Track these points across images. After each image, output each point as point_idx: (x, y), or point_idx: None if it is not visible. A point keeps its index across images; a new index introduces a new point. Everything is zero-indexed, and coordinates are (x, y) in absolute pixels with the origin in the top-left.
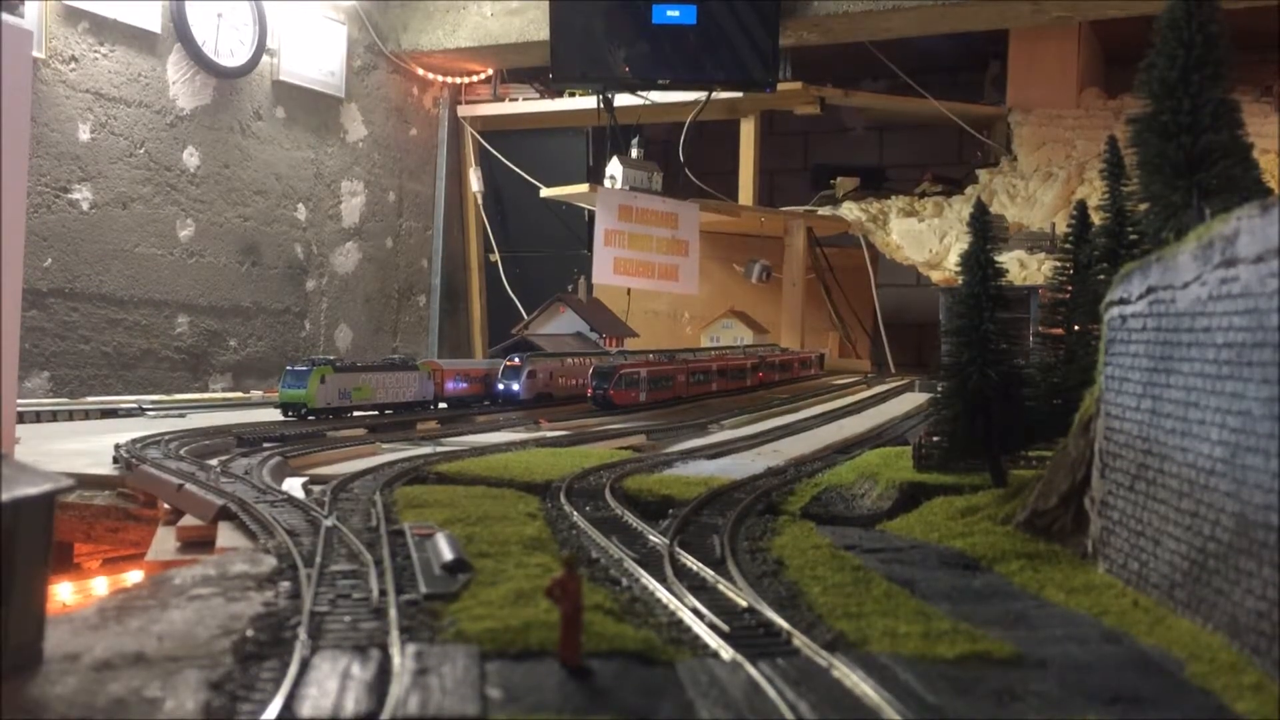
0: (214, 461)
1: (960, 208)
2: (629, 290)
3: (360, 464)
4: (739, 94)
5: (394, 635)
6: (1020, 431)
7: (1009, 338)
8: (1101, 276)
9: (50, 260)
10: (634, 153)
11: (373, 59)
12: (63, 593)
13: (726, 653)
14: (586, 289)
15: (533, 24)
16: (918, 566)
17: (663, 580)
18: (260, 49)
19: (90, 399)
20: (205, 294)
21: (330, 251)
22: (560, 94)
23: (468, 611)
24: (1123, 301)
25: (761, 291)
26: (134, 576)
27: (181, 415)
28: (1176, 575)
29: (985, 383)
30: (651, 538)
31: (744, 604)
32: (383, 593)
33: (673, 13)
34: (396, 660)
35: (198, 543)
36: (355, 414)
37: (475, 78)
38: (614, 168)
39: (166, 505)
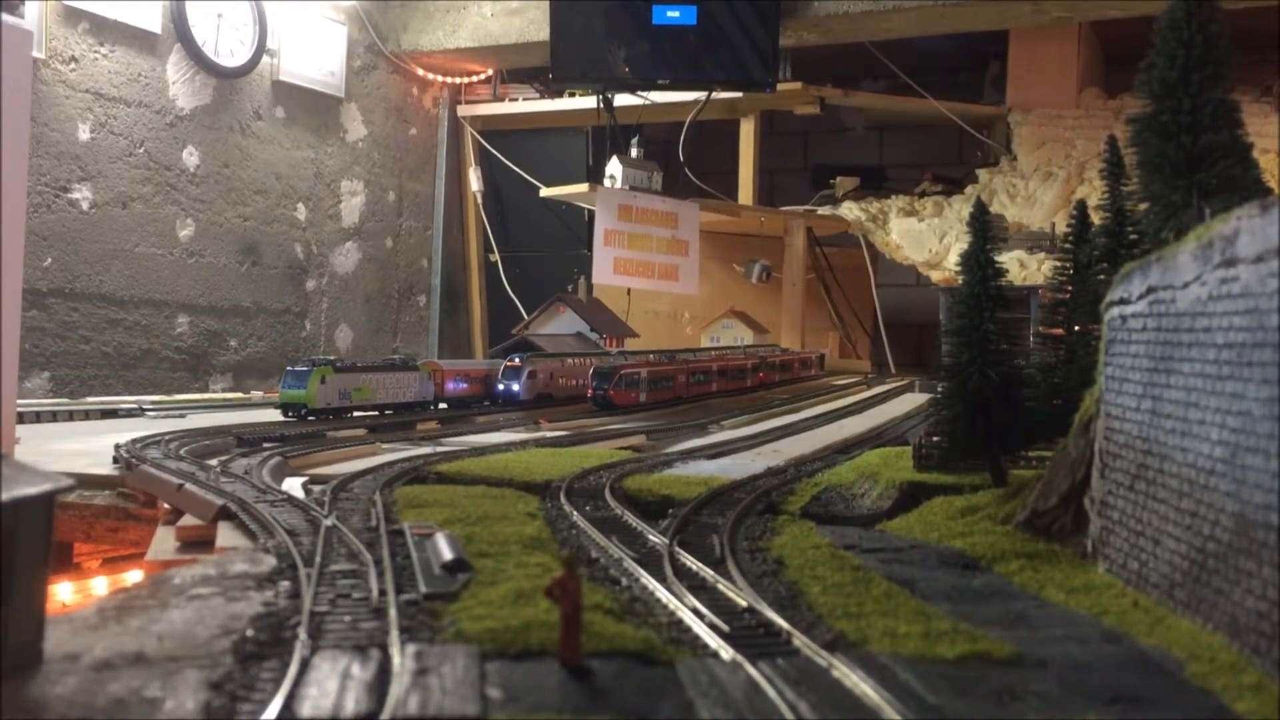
0: (214, 461)
1: (960, 207)
2: (629, 290)
3: (360, 464)
4: (739, 94)
5: (394, 635)
6: (1020, 432)
7: (1009, 338)
8: (1101, 276)
9: (50, 260)
10: (634, 152)
11: (373, 59)
12: (63, 592)
13: (726, 653)
14: (586, 289)
15: (533, 24)
16: (918, 566)
17: (662, 580)
18: (260, 49)
19: (90, 399)
20: (205, 294)
21: (330, 251)
22: (560, 94)
23: (468, 611)
24: (1123, 301)
25: (761, 291)
26: (134, 576)
27: (181, 415)
28: (1176, 575)
29: (985, 383)
30: (651, 537)
31: (744, 604)
32: (382, 592)
33: (673, 13)
34: (396, 660)
35: (197, 542)
36: (355, 414)
37: (475, 78)
38: (614, 167)
39: (166, 505)
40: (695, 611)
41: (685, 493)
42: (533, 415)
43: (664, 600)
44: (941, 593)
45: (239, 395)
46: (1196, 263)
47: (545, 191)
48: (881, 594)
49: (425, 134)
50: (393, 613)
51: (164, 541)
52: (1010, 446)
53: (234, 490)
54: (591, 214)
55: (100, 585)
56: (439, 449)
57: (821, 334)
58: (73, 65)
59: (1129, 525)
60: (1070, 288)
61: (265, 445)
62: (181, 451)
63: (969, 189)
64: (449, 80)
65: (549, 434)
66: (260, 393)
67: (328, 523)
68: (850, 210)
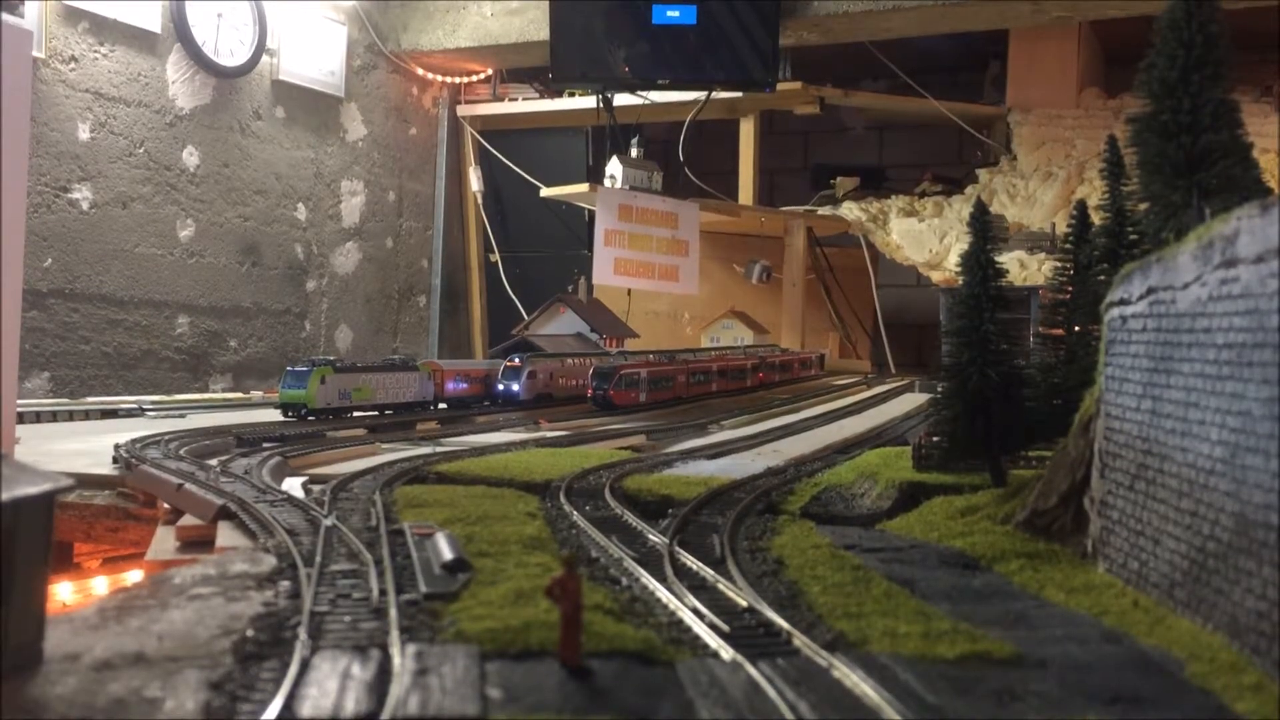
0: (214, 461)
1: (960, 207)
2: (629, 291)
3: (360, 464)
4: (739, 94)
5: (394, 635)
6: (1020, 432)
7: (1009, 338)
8: (1102, 277)
9: (50, 260)
10: (634, 152)
11: (373, 59)
12: (63, 592)
13: (726, 653)
14: (587, 289)
15: (533, 24)
16: (917, 566)
17: (663, 580)
18: (260, 49)
19: (90, 399)
20: (205, 294)
21: (330, 251)
22: (560, 93)
23: (468, 611)
24: (1123, 302)
25: (761, 292)
26: (134, 576)
27: (181, 416)
28: (1176, 575)
29: (985, 383)
30: (651, 537)
31: (744, 604)
32: (383, 592)
33: (673, 13)
34: (396, 660)
35: (197, 542)
36: (355, 414)
37: (475, 78)
38: (614, 167)
39: (166, 505)
40: (695, 611)
41: (685, 493)
42: (533, 415)
43: (664, 600)
44: (941, 592)
45: (239, 395)
46: (1197, 263)
47: (545, 191)
48: (881, 594)
49: (425, 134)
50: (393, 613)
51: (164, 541)
52: (1010, 446)
53: (234, 490)
54: (591, 214)
55: (100, 585)
56: (439, 449)
57: (821, 334)
58: (73, 65)
59: (1129, 525)
60: (1070, 288)
61: (265, 445)
62: (181, 451)
63: (969, 189)
64: (449, 80)
65: (549, 434)
66: (260, 393)
67: (328, 522)
68: (850, 210)
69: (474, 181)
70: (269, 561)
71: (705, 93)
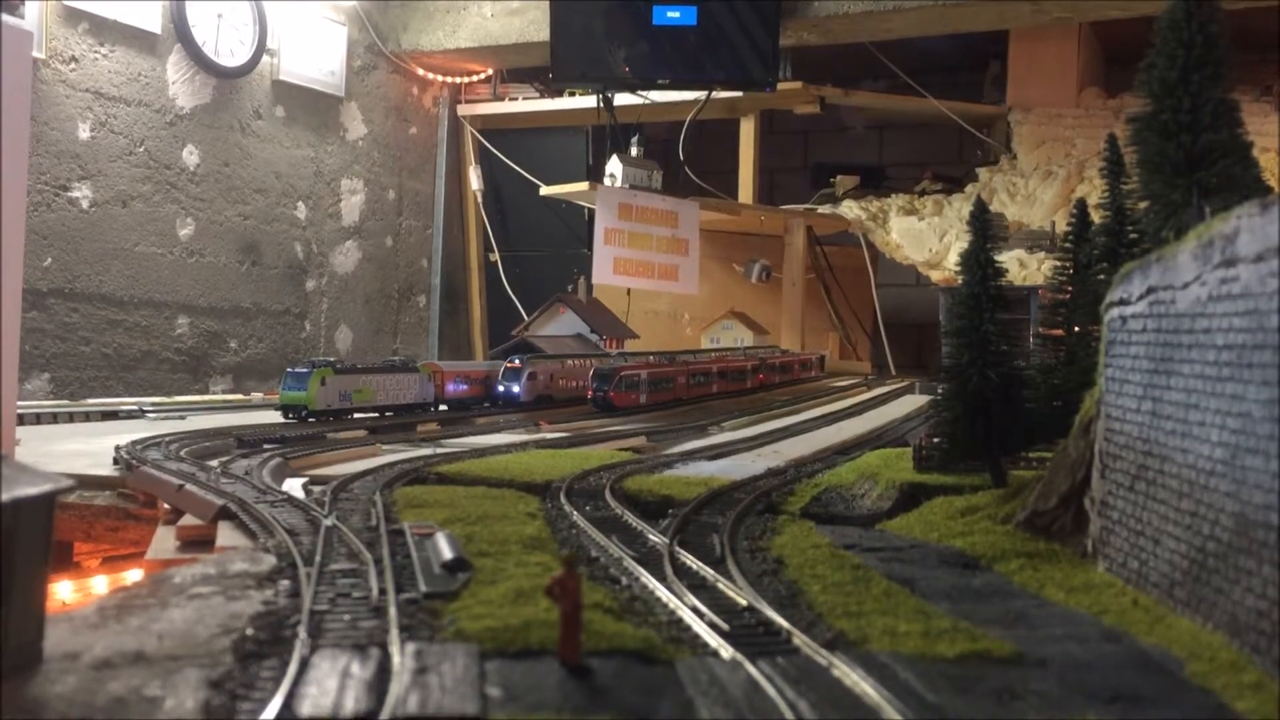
0: (214, 462)
1: (960, 206)
2: (629, 291)
3: (360, 465)
4: (739, 94)
5: (394, 634)
6: (1020, 433)
7: (1009, 339)
8: (1101, 276)
9: (50, 260)
10: (634, 151)
11: (373, 59)
12: (63, 591)
13: (726, 651)
14: (586, 289)
15: (533, 24)
16: (917, 565)
17: (662, 579)
18: (260, 49)
19: (90, 401)
20: (205, 294)
21: (330, 250)
22: (560, 93)
23: (467, 610)
24: (1123, 302)
25: (761, 292)
26: (134, 575)
27: (182, 417)
28: (1176, 574)
29: (985, 384)
30: (651, 537)
31: (744, 603)
32: (382, 591)
33: (673, 14)
34: (396, 659)
35: (197, 542)
36: (355, 416)
37: (475, 77)
38: (614, 166)
39: (166, 505)
40: (695, 610)
41: (685, 493)
42: (533, 417)
43: (664, 599)
44: (941, 592)
45: (239, 397)
46: (1196, 262)
47: (545, 190)
48: (881, 593)
49: (425, 133)
50: (392, 611)
51: (164, 541)
52: (1010, 447)
53: (234, 490)
54: (591, 213)
55: (100, 584)
56: (439, 450)
57: (821, 334)
58: (73, 65)
59: (1129, 525)
60: (1070, 288)
61: (265, 446)
62: (182, 453)
63: (969, 188)
64: (449, 80)
65: (549, 435)
66: (260, 394)
67: (328, 522)
68: (850, 209)
69: (474, 181)
70: (269, 561)
71: (705, 92)
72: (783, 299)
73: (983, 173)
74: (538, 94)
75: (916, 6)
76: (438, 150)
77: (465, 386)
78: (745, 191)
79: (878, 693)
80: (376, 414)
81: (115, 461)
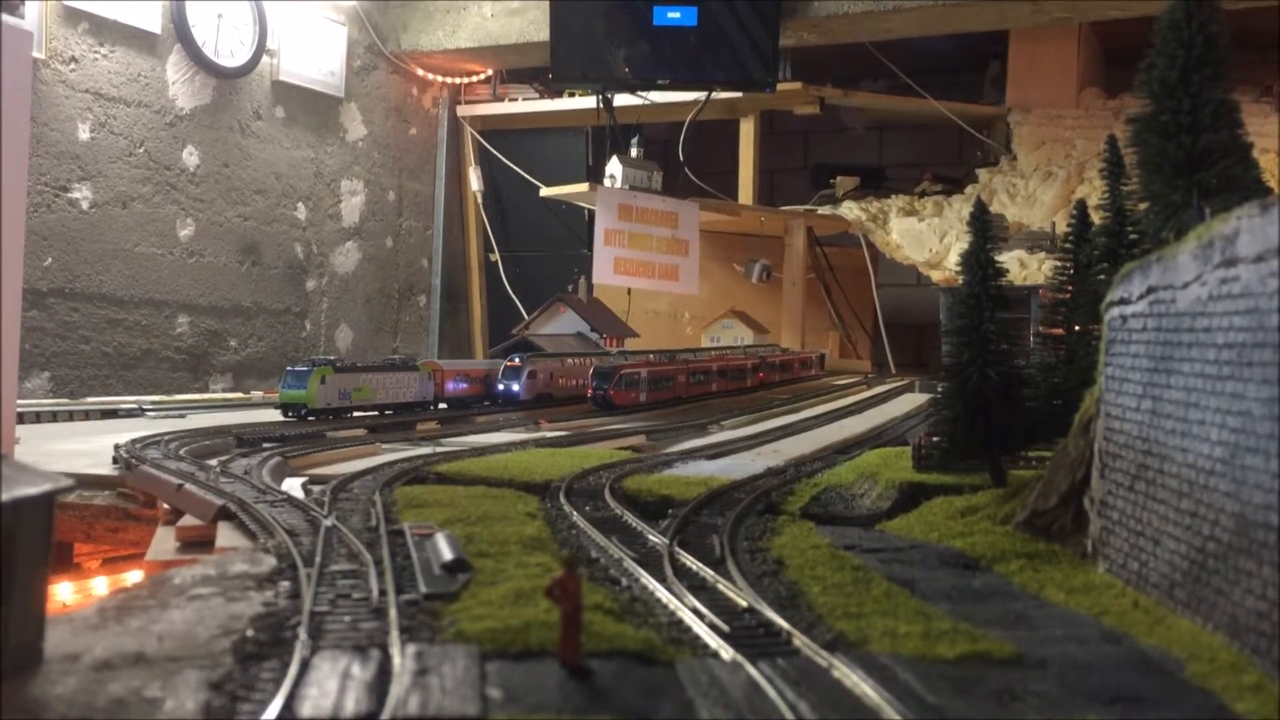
0: (214, 462)
1: (960, 207)
2: (629, 290)
3: (360, 464)
4: (739, 94)
5: (394, 635)
6: (1020, 432)
7: (1009, 338)
8: (1102, 276)
9: (50, 260)
10: (634, 152)
11: (372, 59)
12: (63, 592)
13: (726, 653)
14: (587, 289)
15: (533, 24)
16: (917, 566)
17: (662, 580)
18: (260, 49)
19: (90, 399)
20: (205, 294)
21: (330, 251)
22: (560, 93)
23: (468, 611)
24: (1123, 301)
25: (762, 291)
26: (134, 576)
27: (181, 416)
28: (1176, 575)
29: (985, 383)
30: (651, 537)
31: (744, 604)
32: (382, 592)
33: (673, 14)
34: (396, 660)
35: (197, 542)
36: (355, 414)
37: (475, 78)
38: (614, 167)
39: (166, 505)
40: (695, 611)
41: (685, 493)
42: (533, 415)
43: (664, 600)
44: (941, 593)
45: (239, 395)
46: (1197, 263)
47: (545, 191)
48: (881, 594)
49: (425, 134)
50: (393, 613)
51: (164, 541)
52: (1010, 447)
53: (234, 490)
54: (591, 214)
55: (100, 585)
56: (439, 449)
57: (821, 334)
58: (73, 65)
59: (1129, 525)
60: (1070, 288)
61: (265, 445)
62: (181, 452)
63: (969, 189)
64: (449, 80)
65: (549, 434)
66: (260, 393)
67: (327, 523)
68: (850, 210)
69: (474, 181)
70: (269, 562)
71: (705, 93)
72: (783, 299)
73: (983, 174)
74: (537, 94)
75: (916, 6)
76: (437, 151)
77: (465, 385)
78: (745, 192)
79: (878, 694)
80: (376, 412)
81: (115, 460)
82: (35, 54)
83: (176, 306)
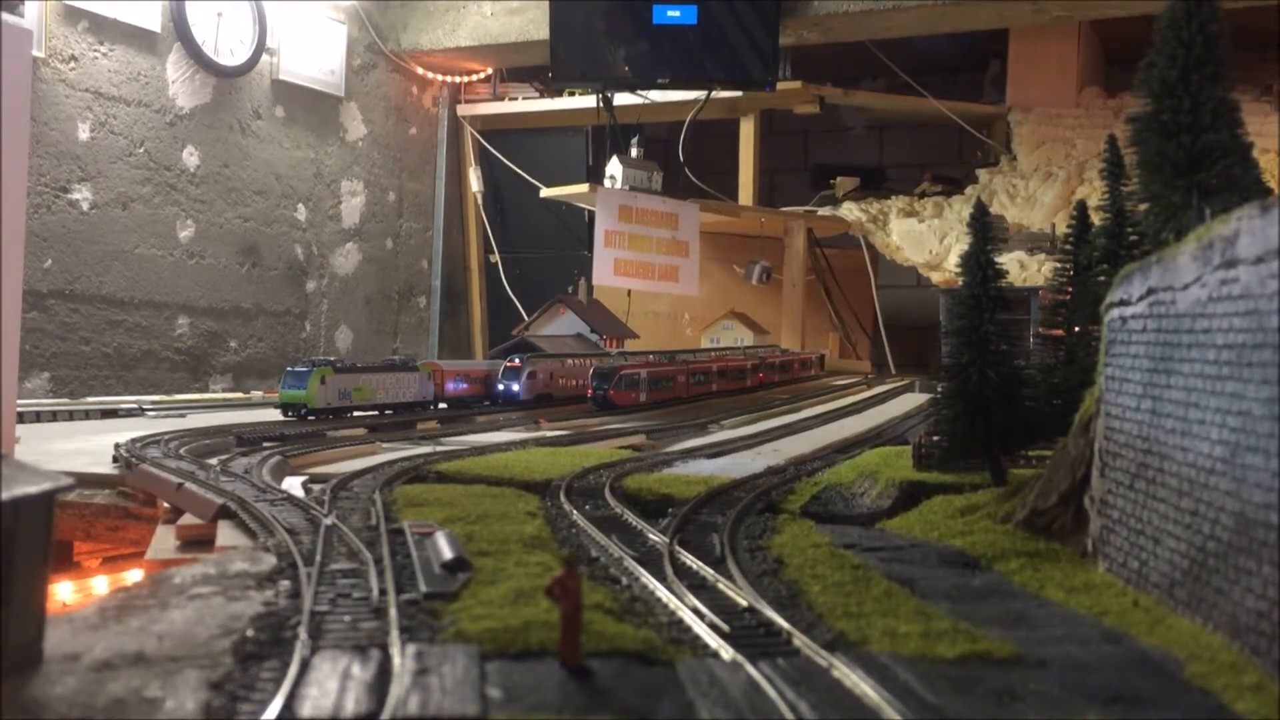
0: (214, 461)
1: (960, 208)
2: (629, 291)
3: (360, 463)
4: (739, 93)
5: (394, 635)
6: (1020, 431)
7: (1009, 339)
8: (1102, 278)
9: (50, 261)
10: (634, 152)
11: (372, 58)
12: (63, 592)
13: (727, 652)
14: (587, 290)
15: (533, 24)
16: (917, 565)
17: (662, 579)
18: (260, 48)
19: (90, 399)
20: (205, 295)
21: (330, 252)
22: (560, 93)
23: (468, 611)
24: (1123, 303)
25: (762, 292)
26: (134, 575)
27: (181, 415)
28: (1176, 574)
29: (985, 383)
30: (651, 536)
31: (744, 603)
32: (383, 592)
33: (673, 13)
34: (397, 660)
35: (197, 541)
36: (355, 414)
37: (475, 77)
38: (614, 167)
39: (166, 504)
40: (695, 611)
41: (685, 492)
42: (533, 415)
43: (664, 600)
44: (941, 592)
45: (239, 395)
46: (1196, 264)
47: (545, 192)
48: (881, 593)
49: (425, 134)
50: (393, 612)
51: (164, 540)
52: (1010, 446)
53: (234, 489)
54: (591, 214)
55: (100, 584)
56: (439, 448)
57: (822, 335)
58: (72, 64)
59: (1129, 524)
60: (1070, 289)
61: (265, 445)
62: (181, 451)
63: (969, 189)
64: (449, 79)
65: (549, 433)
66: (260, 393)
67: (328, 522)
68: (850, 211)
69: (474, 182)
70: (269, 561)
71: (705, 92)
72: (783, 300)
73: (983, 174)
74: (537, 94)
75: (916, 5)
76: (437, 151)
77: (465, 385)
78: (745, 193)
79: (878, 694)
80: (376, 412)
81: (115, 460)
82: (35, 53)
83: (176, 308)
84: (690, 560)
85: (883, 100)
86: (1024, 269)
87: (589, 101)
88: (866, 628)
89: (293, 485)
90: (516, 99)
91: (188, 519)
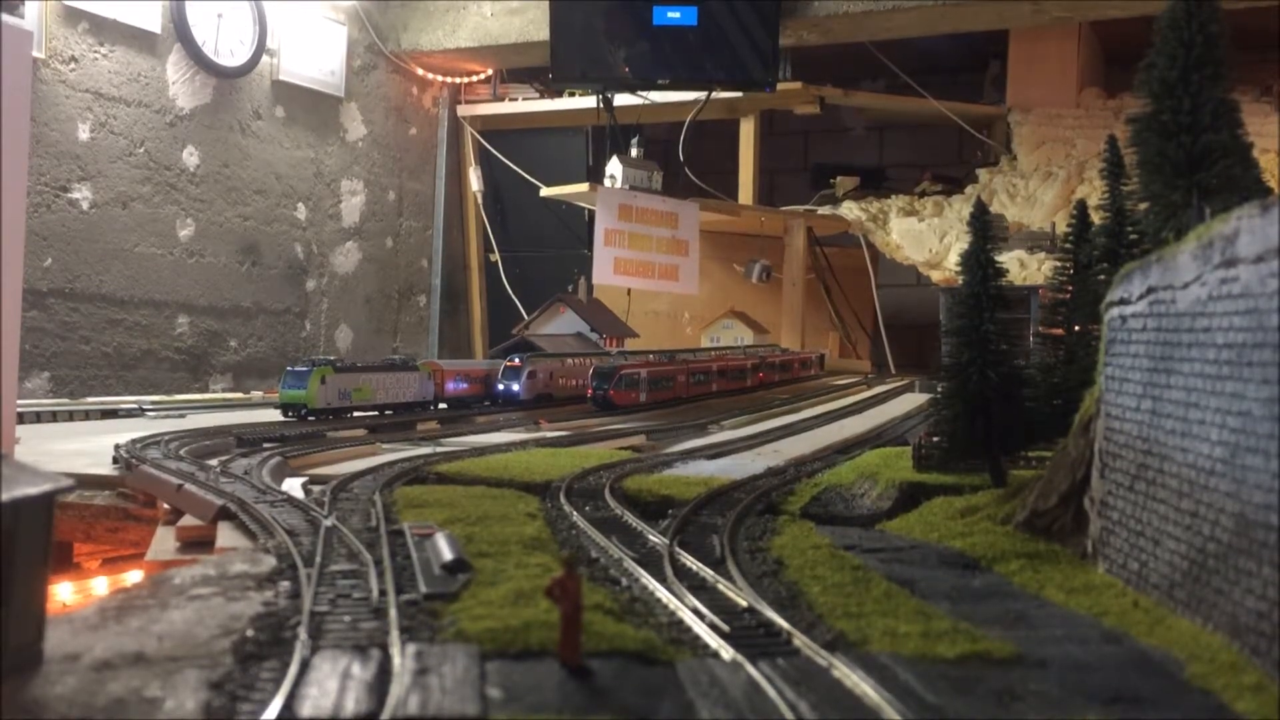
0: (214, 462)
1: (960, 207)
2: (629, 290)
3: (360, 464)
4: (739, 94)
5: (394, 635)
6: (1020, 432)
7: (1009, 338)
8: (1102, 277)
9: (50, 260)
10: (634, 152)
11: (372, 59)
12: (63, 593)
13: (727, 653)
14: (587, 289)
15: (533, 24)
16: (917, 566)
17: (663, 580)
18: (260, 49)
19: (90, 399)
20: (205, 294)
21: (330, 251)
22: (560, 93)
23: (468, 611)
24: (1123, 302)
25: (761, 292)
26: (134, 576)
27: (181, 416)
28: (1176, 575)
29: (985, 383)
30: (651, 537)
31: (744, 604)
32: (383, 592)
33: (673, 14)
34: (397, 660)
35: (197, 542)
36: (355, 414)
37: (475, 77)
38: (614, 167)
39: (166, 505)
40: (695, 611)
41: (685, 493)
42: (533, 415)
43: (664, 600)
44: (941, 592)
45: (239, 395)
46: (1196, 263)
47: (545, 191)
48: (881, 594)
49: (425, 134)
50: (393, 613)
51: (164, 541)
52: (1010, 446)
53: (234, 490)
54: (591, 214)
55: (100, 585)
56: (439, 449)
57: (822, 334)
58: (72, 65)
59: (1129, 525)
60: (1070, 288)
61: (265, 445)
62: (181, 452)
63: (969, 189)
64: (449, 80)
65: (549, 434)
66: (260, 393)
67: (328, 523)
68: (850, 210)
69: (474, 181)
70: (269, 562)
71: (705, 93)
72: (783, 299)
73: (983, 174)
74: (537, 94)
75: (916, 6)
76: (438, 151)
77: (465, 385)
78: (745, 192)
79: (878, 694)
80: (376, 412)
81: (115, 460)
82: (35, 53)
83: (176, 307)
84: (690, 561)
85: (883, 100)
86: (1024, 268)
87: (589, 102)
88: (866, 628)
89: (293, 486)
90: (516, 99)
91: (188, 520)
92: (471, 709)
